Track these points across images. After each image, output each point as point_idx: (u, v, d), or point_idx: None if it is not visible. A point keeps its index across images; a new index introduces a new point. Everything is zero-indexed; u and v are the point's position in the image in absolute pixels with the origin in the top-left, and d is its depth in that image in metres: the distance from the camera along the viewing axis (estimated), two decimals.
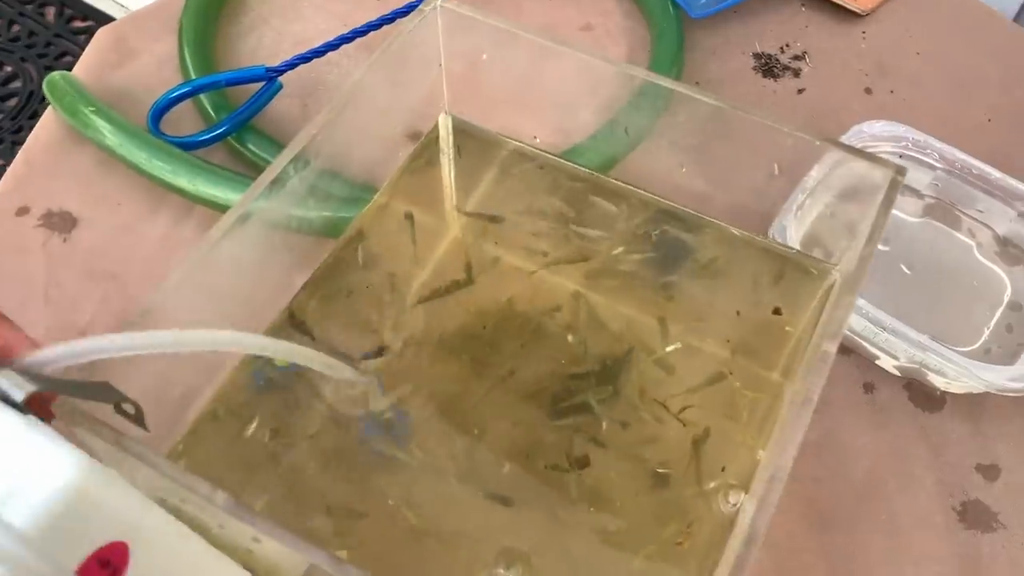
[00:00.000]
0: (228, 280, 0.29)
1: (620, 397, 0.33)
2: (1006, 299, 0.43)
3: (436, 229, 0.37)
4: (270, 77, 0.46)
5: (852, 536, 0.37)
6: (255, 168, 0.47)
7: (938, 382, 0.41)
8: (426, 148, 0.37)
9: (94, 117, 0.46)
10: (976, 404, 0.41)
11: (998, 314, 0.42)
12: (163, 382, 0.29)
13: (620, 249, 0.38)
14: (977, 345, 0.41)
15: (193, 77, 0.48)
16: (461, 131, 0.37)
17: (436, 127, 0.37)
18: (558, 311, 0.36)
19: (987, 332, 0.42)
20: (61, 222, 0.46)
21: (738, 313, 0.33)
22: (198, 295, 0.27)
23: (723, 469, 0.27)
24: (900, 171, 0.28)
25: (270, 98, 0.47)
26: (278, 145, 0.47)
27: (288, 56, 0.46)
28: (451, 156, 0.37)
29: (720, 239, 0.37)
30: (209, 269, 0.27)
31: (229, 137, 0.46)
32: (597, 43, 0.54)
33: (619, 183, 0.38)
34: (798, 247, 0.39)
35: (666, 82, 0.33)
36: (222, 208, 0.44)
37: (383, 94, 0.33)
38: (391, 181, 0.37)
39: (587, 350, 0.35)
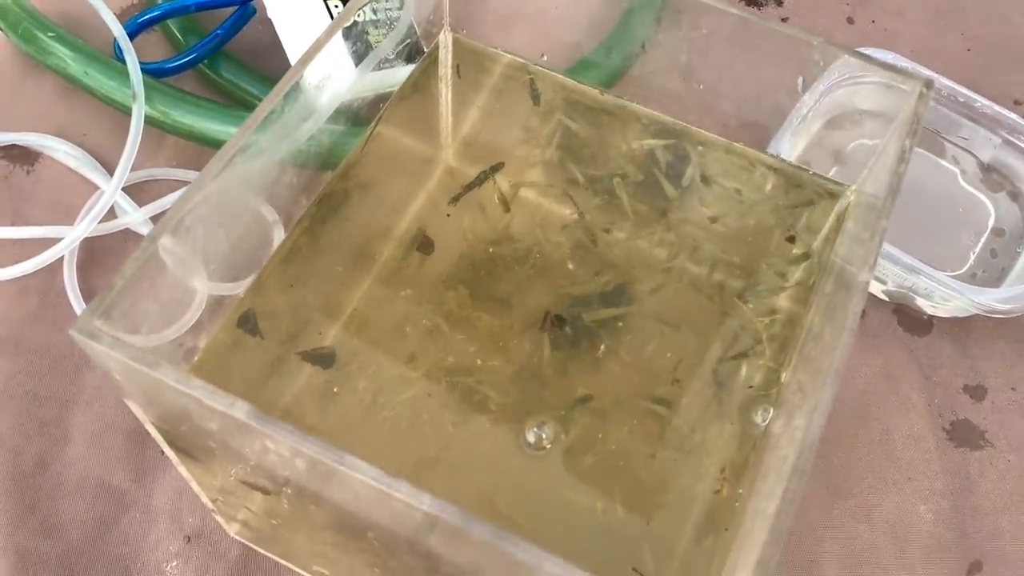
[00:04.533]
0: (233, 211, 0.28)
1: (627, 320, 0.33)
2: (990, 225, 0.43)
3: (431, 157, 0.36)
4: (242, 1, 0.44)
5: (848, 455, 0.38)
6: (229, 96, 0.45)
7: (925, 306, 0.42)
8: (426, 70, 0.36)
9: (55, 43, 0.43)
10: (962, 327, 0.42)
11: (983, 239, 0.43)
12: None
13: (621, 170, 0.37)
14: (963, 270, 0.42)
15: (159, 2, 0.45)
16: (463, 50, 0.36)
17: (436, 46, 0.35)
18: (559, 238, 0.35)
19: (973, 257, 0.42)
20: (23, 155, 0.43)
21: (749, 237, 0.33)
22: (206, 227, 0.26)
23: (750, 387, 0.27)
24: (928, 84, 0.27)
25: (244, 23, 0.44)
26: (253, 72, 0.45)
27: None
28: (449, 79, 0.36)
29: (728, 158, 0.36)
30: (212, 202, 0.26)
31: (201, 64, 0.44)
32: None
33: (621, 100, 0.37)
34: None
35: None
36: (197, 138, 0.42)
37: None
38: (387, 107, 0.36)
39: (590, 276, 0.35)
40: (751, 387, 0.27)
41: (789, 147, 0.40)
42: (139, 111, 0.39)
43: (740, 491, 0.25)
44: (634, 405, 0.31)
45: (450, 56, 0.36)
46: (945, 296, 0.39)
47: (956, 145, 0.45)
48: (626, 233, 0.35)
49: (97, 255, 0.41)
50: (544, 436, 0.30)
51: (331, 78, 0.38)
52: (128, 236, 0.41)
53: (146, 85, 0.40)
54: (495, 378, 0.33)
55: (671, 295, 0.34)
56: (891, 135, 0.29)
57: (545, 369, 0.32)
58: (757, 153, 0.36)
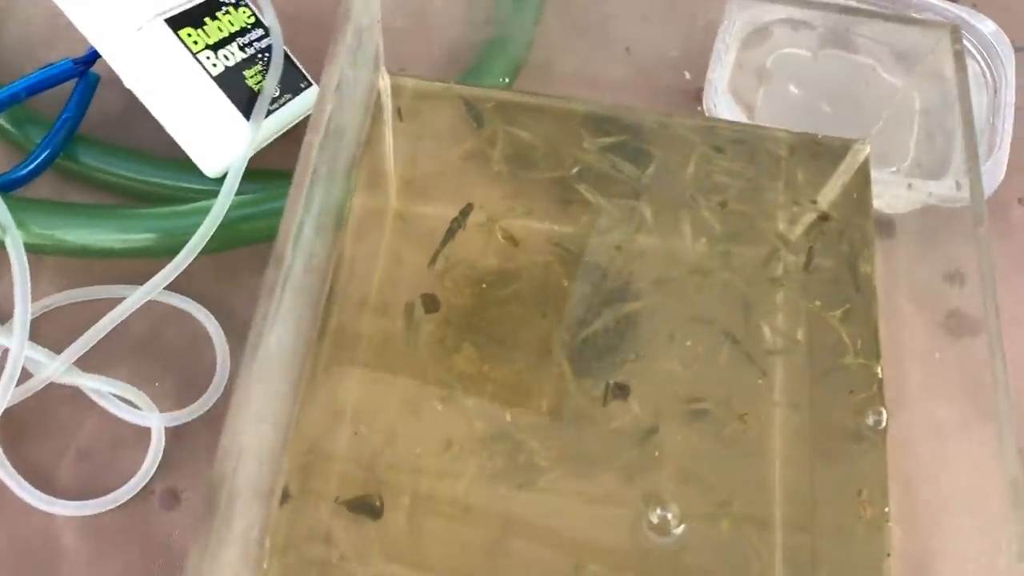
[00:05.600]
0: None
1: (648, 325, 0.31)
2: (917, 107, 0.43)
3: (402, 214, 0.32)
4: (80, 72, 0.37)
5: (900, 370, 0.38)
6: (98, 184, 0.38)
7: (882, 207, 0.42)
8: (371, 123, 0.31)
9: None
10: (921, 220, 0.42)
11: (916, 125, 0.43)
12: None
13: (571, 171, 0.34)
14: (908, 162, 0.42)
15: None
16: (402, 89, 0.32)
17: (379, 94, 0.31)
18: (545, 257, 0.33)
19: (912, 146, 0.43)
20: None
21: (754, 211, 0.31)
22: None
23: (850, 392, 0.26)
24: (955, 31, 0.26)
25: (91, 95, 0.37)
26: (118, 150, 0.38)
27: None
28: (391, 123, 0.31)
29: (677, 125, 0.34)
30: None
31: (57, 160, 0.37)
32: None
33: (538, 96, 0.34)
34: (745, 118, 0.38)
35: None
36: (88, 253, 0.35)
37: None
38: (351, 175, 0.31)
39: (590, 287, 0.32)
40: (851, 392, 0.26)
41: (721, 85, 0.39)
42: (16, 245, 0.32)
43: (887, 510, 0.24)
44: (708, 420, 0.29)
45: (390, 100, 0.31)
46: (897, 195, 0.39)
47: (868, 38, 0.44)
48: (614, 232, 0.33)
49: (18, 421, 0.34)
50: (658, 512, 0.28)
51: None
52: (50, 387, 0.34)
53: (10, 208, 0.33)
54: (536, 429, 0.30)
55: (688, 288, 0.32)
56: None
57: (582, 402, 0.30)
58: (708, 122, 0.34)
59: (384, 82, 0.32)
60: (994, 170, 0.40)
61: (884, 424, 0.25)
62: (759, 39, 0.46)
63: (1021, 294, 0.41)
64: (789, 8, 0.41)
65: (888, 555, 0.23)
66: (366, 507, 0.28)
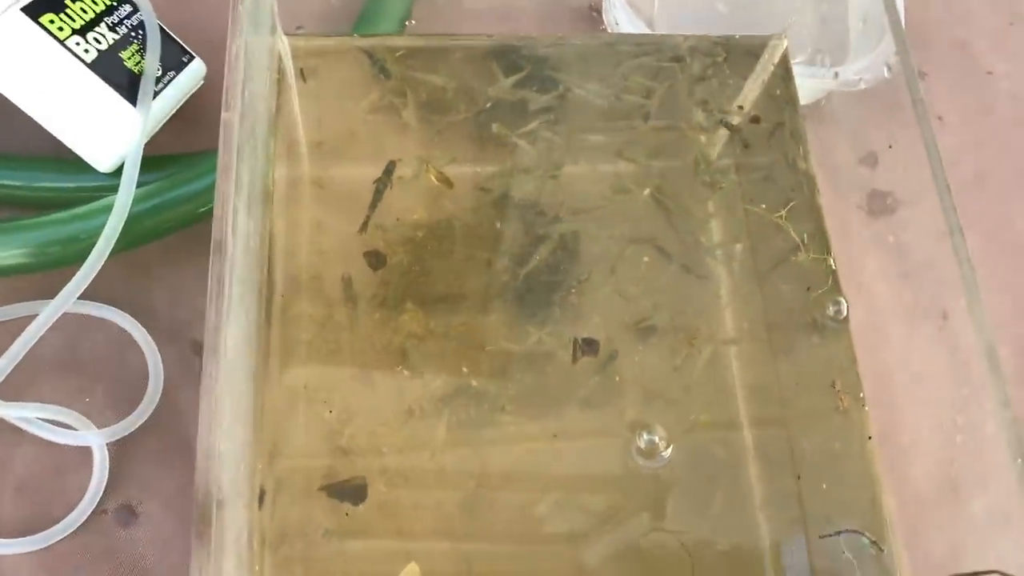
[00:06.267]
0: None
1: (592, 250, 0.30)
2: None
3: (320, 180, 0.31)
4: None
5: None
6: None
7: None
8: (274, 87, 0.29)
9: None
10: (826, 106, 0.43)
11: (808, 12, 0.43)
12: None
13: (485, 109, 0.33)
14: (808, 51, 0.42)
15: None
16: (300, 49, 0.30)
17: (279, 57, 0.29)
18: (474, 207, 0.32)
19: (808, 36, 0.43)
20: None
21: (674, 125, 0.31)
22: None
23: (807, 288, 0.26)
24: None
25: None
26: (7, 160, 0.35)
27: None
28: (295, 86, 0.29)
29: (599, 56, 0.33)
30: None
31: None
32: None
33: (440, 37, 0.33)
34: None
35: None
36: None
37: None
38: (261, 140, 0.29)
39: (522, 229, 0.31)
40: (808, 288, 0.26)
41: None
42: None
43: (862, 395, 0.24)
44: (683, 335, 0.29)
45: (290, 62, 0.29)
46: (800, 85, 0.40)
47: None
48: (538, 167, 0.32)
49: None
50: None
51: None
52: None
53: None
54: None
55: (620, 210, 0.31)
56: None
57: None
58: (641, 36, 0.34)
59: (283, 44, 0.30)
60: (889, 52, 0.40)
61: (845, 313, 0.25)
62: None
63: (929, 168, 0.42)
64: None
65: (869, 438, 0.24)
66: (344, 492, 0.27)
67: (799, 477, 0.25)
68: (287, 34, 0.30)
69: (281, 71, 0.29)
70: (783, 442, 0.25)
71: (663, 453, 0.26)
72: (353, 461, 0.27)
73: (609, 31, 0.37)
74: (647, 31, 0.38)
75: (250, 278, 0.24)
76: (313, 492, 0.26)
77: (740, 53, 0.32)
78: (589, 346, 0.28)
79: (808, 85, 0.40)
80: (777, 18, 0.44)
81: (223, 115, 0.21)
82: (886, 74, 0.42)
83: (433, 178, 0.30)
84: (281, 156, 0.29)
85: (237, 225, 0.20)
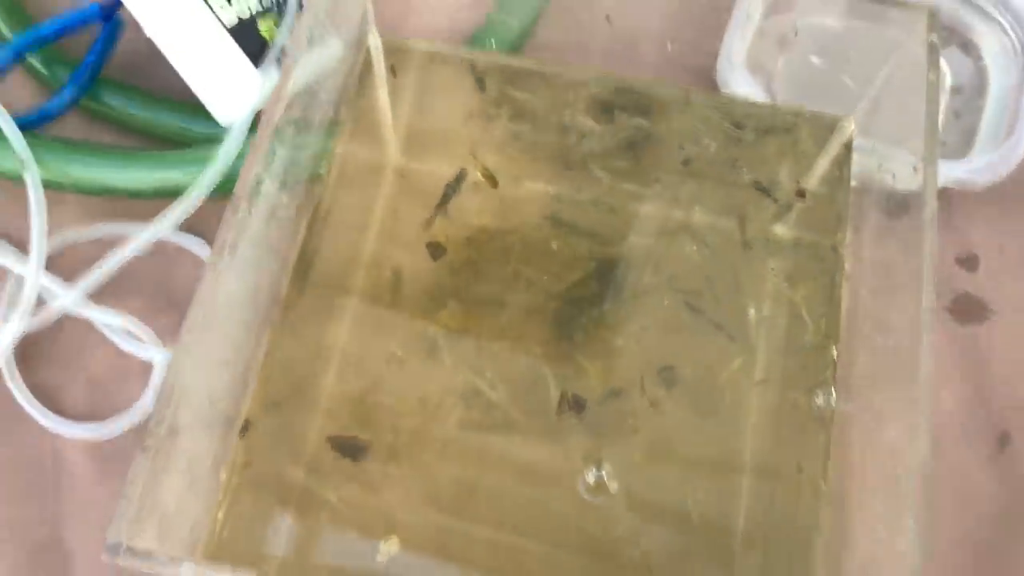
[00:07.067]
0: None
1: (631, 295, 0.31)
2: (948, 85, 0.42)
3: (402, 170, 0.33)
4: (106, 15, 0.38)
5: (852, 354, 0.37)
6: (121, 125, 0.39)
7: (897, 185, 0.41)
8: (361, 80, 0.32)
9: None
10: (941, 200, 0.41)
11: (944, 103, 0.42)
12: None
13: (570, 139, 0.34)
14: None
15: (9, 38, 0.39)
16: (394, 48, 0.32)
17: (368, 52, 0.31)
18: (538, 219, 0.33)
19: (939, 125, 0.41)
20: None
21: (749, 184, 0.31)
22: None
23: (803, 368, 0.26)
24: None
25: (115, 40, 0.39)
26: (142, 94, 0.39)
27: None
28: (386, 81, 0.32)
29: (685, 104, 0.34)
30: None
31: (82, 100, 0.38)
32: None
33: (541, 63, 0.34)
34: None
35: None
36: (105, 191, 0.37)
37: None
38: (336, 128, 0.32)
39: (581, 253, 0.33)
40: (804, 368, 0.26)
41: (738, 58, 0.38)
42: (35, 180, 0.34)
43: (824, 488, 0.24)
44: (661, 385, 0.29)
45: (382, 58, 0.32)
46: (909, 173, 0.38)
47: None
48: (607, 200, 0.33)
49: (31, 347, 0.36)
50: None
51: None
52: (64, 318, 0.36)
53: (30, 143, 0.35)
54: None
55: (677, 259, 0.32)
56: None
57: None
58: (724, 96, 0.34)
59: (375, 41, 0.32)
60: (1015, 152, 0.38)
61: (832, 406, 0.25)
62: (783, 6, 0.44)
63: None
64: None
65: (817, 527, 0.24)
66: (346, 446, 0.30)
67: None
68: (384, 37, 0.32)
69: (367, 64, 0.32)
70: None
71: (609, 492, 0.26)
72: (363, 426, 0.29)
73: (720, 88, 0.37)
74: (761, 92, 0.38)
75: (268, 243, 0.26)
76: (312, 438, 0.28)
77: (812, 128, 0.32)
78: (576, 402, 0.29)
79: (911, 176, 0.38)
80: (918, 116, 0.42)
81: (271, 96, 0.23)
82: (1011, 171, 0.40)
83: (479, 174, 0.32)
84: (359, 141, 0.32)
85: (259, 193, 0.23)
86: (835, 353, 0.26)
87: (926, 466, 0.18)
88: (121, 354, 0.36)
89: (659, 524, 0.27)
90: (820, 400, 0.26)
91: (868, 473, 0.22)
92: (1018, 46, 0.41)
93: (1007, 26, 0.41)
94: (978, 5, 0.42)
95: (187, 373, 0.21)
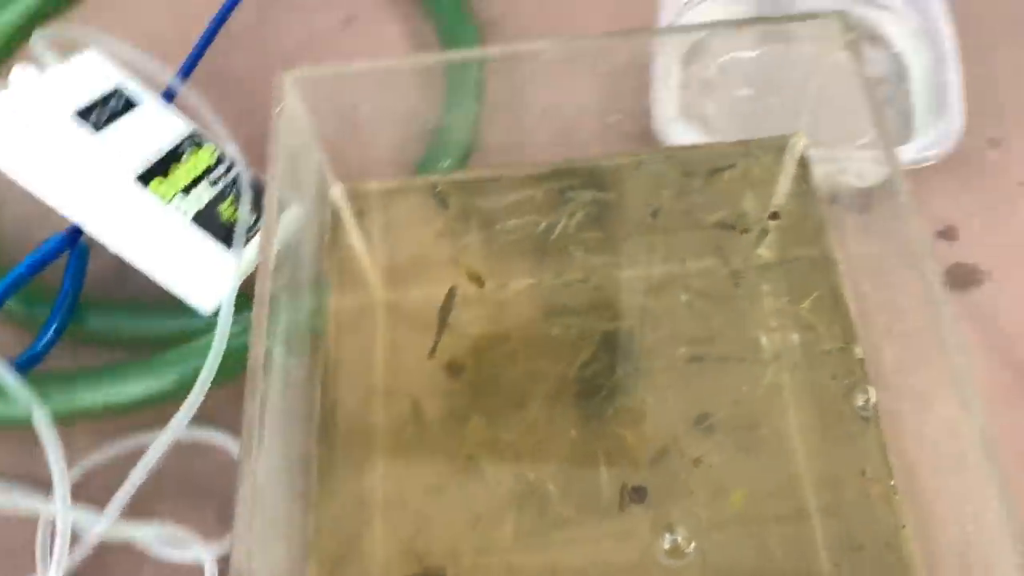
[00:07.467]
0: None
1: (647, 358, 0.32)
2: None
3: (371, 304, 0.34)
4: (71, 241, 0.39)
5: (877, 349, 0.38)
6: (109, 343, 0.40)
7: (857, 183, 0.42)
8: (335, 233, 0.33)
9: None
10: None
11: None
12: None
13: (540, 228, 0.35)
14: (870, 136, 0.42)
15: None
16: (356, 194, 0.33)
17: (336, 205, 0.32)
18: (531, 317, 0.33)
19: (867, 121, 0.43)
20: None
21: (731, 226, 0.32)
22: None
23: (833, 377, 0.27)
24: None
25: (84, 265, 0.39)
26: (122, 309, 0.40)
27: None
28: (355, 226, 0.33)
29: (636, 167, 0.35)
30: None
31: (66, 330, 0.39)
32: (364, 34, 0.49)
33: (491, 168, 0.36)
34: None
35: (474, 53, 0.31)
36: (111, 411, 0.37)
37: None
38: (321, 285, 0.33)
39: (576, 335, 0.33)
40: (834, 377, 0.26)
41: (671, 111, 0.39)
42: (46, 421, 0.34)
43: (892, 483, 0.24)
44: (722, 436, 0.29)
45: (347, 204, 0.33)
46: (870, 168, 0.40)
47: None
48: (591, 275, 0.34)
49: None
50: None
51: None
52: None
53: (29, 384, 0.35)
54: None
55: (674, 312, 0.33)
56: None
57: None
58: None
59: (336, 190, 0.33)
60: (953, 124, 0.40)
61: (874, 402, 0.25)
62: (698, 51, 0.46)
63: (1017, 235, 0.41)
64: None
65: (903, 527, 0.24)
66: None
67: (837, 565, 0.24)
68: (342, 181, 0.33)
69: (335, 215, 0.33)
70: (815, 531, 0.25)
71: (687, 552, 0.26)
72: (424, 564, 0.29)
73: (661, 143, 0.38)
74: (704, 138, 0.39)
75: (288, 410, 0.26)
76: None
77: (763, 153, 0.33)
78: (636, 493, 0.29)
79: (873, 170, 0.40)
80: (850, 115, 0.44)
81: (258, 266, 0.24)
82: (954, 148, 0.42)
83: (467, 278, 0.32)
84: (345, 287, 0.32)
85: (271, 365, 0.23)
86: (859, 352, 0.26)
87: (987, 433, 0.18)
88: (168, 563, 0.35)
89: (746, 563, 0.26)
90: (860, 401, 0.26)
91: (931, 457, 0.22)
92: (921, 27, 0.43)
93: (905, 12, 0.43)
94: (872, 0, 0.44)
95: (252, 558, 0.21)
